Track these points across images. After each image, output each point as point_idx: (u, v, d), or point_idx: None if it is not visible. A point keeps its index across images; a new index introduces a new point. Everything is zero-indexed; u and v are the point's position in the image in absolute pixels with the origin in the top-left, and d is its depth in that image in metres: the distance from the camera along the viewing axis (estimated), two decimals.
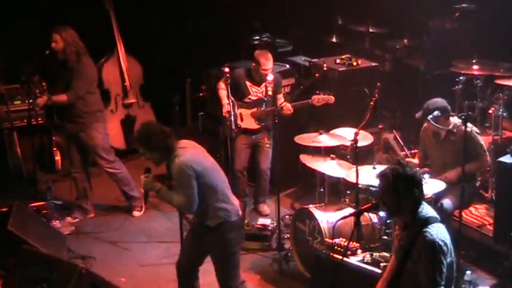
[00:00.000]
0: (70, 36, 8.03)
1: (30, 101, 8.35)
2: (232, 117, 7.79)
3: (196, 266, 6.39)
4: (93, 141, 8.27)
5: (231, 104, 7.89)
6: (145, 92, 10.39)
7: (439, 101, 7.21)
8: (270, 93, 8.23)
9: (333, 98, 8.06)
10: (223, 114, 8.03)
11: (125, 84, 10.12)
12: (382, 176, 5.09)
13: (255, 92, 8.25)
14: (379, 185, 5.12)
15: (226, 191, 6.17)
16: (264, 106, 8.25)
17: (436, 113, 7.08)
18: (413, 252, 4.95)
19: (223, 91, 8.11)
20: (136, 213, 8.69)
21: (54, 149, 9.50)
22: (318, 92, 8.19)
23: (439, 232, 4.90)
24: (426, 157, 7.48)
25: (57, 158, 9.51)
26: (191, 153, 6.03)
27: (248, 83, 8.22)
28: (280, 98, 8.33)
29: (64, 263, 6.44)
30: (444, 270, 4.88)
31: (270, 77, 8.14)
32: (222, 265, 6.23)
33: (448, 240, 4.94)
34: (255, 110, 8.23)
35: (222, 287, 6.32)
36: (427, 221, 4.94)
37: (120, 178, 8.54)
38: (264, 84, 8.23)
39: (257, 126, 8.29)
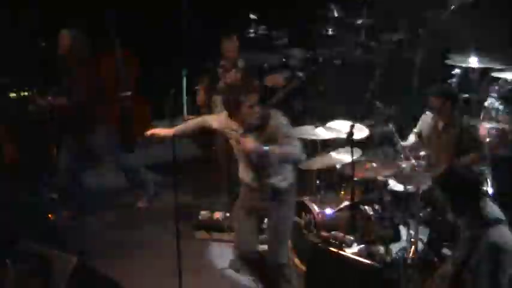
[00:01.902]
0: (77, 38, 8.00)
1: (26, 94, 8.33)
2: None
3: (257, 245, 6.41)
4: (97, 140, 8.22)
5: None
6: (141, 85, 10.37)
7: (451, 88, 7.29)
8: (238, 79, 8.33)
9: (281, 78, 8.22)
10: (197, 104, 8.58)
11: (121, 77, 10.09)
12: (438, 176, 5.27)
13: (227, 78, 8.37)
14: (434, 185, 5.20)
15: None
16: None
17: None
18: (475, 251, 4.98)
19: (203, 84, 8.70)
20: (141, 204, 8.66)
21: (51, 143, 9.49)
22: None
23: (502, 234, 4.94)
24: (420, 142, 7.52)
25: (54, 152, 9.50)
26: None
27: (221, 69, 8.43)
28: None
29: (60, 257, 6.43)
30: (506, 274, 4.91)
31: (241, 64, 8.41)
32: (280, 232, 6.23)
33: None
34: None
35: (273, 262, 6.31)
36: (492, 222, 4.98)
37: (128, 167, 8.52)
38: (233, 71, 8.40)
39: None
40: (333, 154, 7.44)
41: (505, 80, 7.98)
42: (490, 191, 7.54)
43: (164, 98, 8.46)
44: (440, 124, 7.30)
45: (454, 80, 8.50)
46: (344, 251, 6.36)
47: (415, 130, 7.58)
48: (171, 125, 6.46)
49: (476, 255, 4.98)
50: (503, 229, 4.99)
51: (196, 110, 9.38)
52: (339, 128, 7.64)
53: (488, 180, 7.78)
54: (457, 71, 8.51)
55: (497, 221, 5.00)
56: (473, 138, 7.18)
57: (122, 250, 7.83)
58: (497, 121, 7.91)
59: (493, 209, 5.09)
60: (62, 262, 6.22)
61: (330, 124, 7.84)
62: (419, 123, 7.56)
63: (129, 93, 10.18)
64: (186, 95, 10.14)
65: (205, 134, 9.39)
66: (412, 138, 7.55)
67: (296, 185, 6.28)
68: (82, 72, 7.99)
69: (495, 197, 7.24)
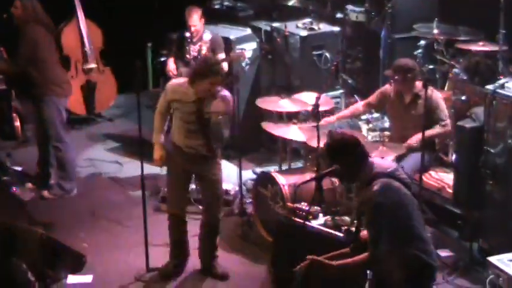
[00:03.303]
0: (31, 5, 7.90)
1: None
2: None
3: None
4: (43, 115, 8.07)
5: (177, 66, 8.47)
6: (105, 56, 10.29)
7: (410, 61, 7.34)
8: (204, 52, 8.31)
9: (244, 53, 8.49)
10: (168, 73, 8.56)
11: (85, 49, 10.01)
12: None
13: (192, 51, 8.34)
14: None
15: None
16: None
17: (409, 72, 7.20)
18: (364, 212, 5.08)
19: (172, 58, 8.63)
20: (46, 193, 8.31)
21: (14, 114, 9.40)
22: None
23: (379, 188, 4.91)
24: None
25: (17, 124, 9.41)
26: None
27: (187, 42, 8.36)
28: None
29: (25, 230, 6.39)
30: (384, 228, 4.89)
31: (207, 37, 8.38)
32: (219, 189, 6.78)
33: (393, 198, 4.92)
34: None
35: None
36: (371, 179, 4.98)
37: (61, 159, 8.32)
38: (199, 44, 8.35)
39: None
40: (299, 126, 7.46)
41: (470, 51, 8.03)
42: (453, 161, 7.63)
43: (129, 70, 8.38)
44: (407, 98, 7.34)
45: (419, 51, 8.53)
46: (310, 222, 6.39)
47: (367, 101, 7.65)
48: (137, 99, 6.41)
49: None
50: (375, 186, 4.92)
51: (165, 80, 9.33)
52: (304, 99, 7.65)
53: (451, 149, 7.87)
54: (422, 42, 8.55)
55: (374, 178, 4.95)
56: (441, 110, 7.24)
57: (88, 222, 7.79)
58: (462, 92, 7.96)
59: (371, 169, 5.02)
60: (28, 235, 6.19)
61: (296, 96, 7.84)
62: (377, 96, 7.61)
63: (93, 65, 10.11)
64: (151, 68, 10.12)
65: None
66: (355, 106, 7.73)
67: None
68: (26, 31, 7.86)
69: (457, 166, 7.31)
